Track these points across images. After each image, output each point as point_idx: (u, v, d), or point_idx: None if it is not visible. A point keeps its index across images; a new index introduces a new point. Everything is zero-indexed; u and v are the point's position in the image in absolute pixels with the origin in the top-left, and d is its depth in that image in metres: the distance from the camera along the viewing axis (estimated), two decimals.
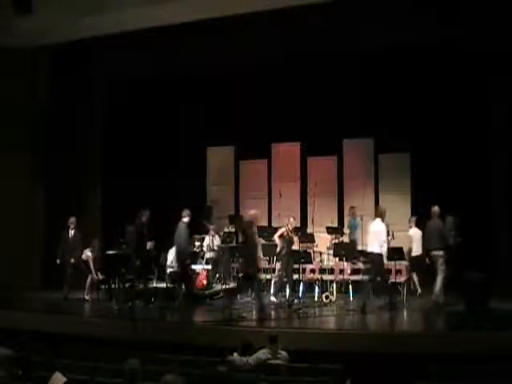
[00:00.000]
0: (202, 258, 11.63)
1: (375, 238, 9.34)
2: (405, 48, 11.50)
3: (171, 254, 10.92)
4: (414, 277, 10.85)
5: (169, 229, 11.70)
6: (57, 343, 7.88)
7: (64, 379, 5.53)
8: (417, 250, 10.63)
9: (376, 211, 9.79)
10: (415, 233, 10.72)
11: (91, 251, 11.40)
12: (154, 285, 11.52)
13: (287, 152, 13.61)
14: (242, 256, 10.00)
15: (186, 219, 10.34)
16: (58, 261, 11.35)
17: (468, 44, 11.05)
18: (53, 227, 12.95)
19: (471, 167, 11.38)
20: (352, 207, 12.00)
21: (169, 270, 10.90)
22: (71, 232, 11.52)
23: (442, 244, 9.71)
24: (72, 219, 11.57)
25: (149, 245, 11.40)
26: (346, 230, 11.90)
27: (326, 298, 10.30)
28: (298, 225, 11.99)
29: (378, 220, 9.48)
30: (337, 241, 11.38)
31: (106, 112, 13.80)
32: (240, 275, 10.00)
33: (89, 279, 11.27)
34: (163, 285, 11.09)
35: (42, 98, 13.20)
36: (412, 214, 11.49)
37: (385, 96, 12.17)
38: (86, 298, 11.14)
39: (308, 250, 10.88)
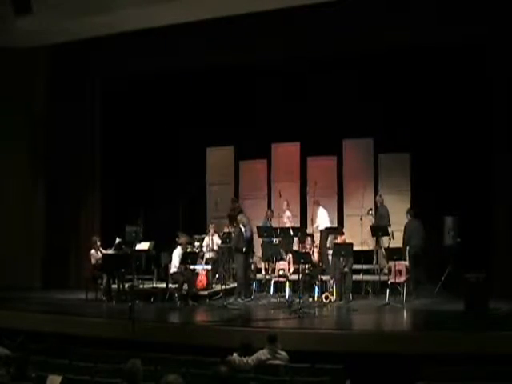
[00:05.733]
0: (202, 258, 11.61)
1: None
2: (405, 48, 11.50)
3: (176, 255, 10.87)
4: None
5: (168, 229, 11.72)
6: (57, 343, 7.89)
7: (60, 378, 5.53)
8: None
9: None
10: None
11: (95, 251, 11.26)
12: (154, 285, 11.53)
13: (287, 152, 13.58)
14: None
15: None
16: None
17: (468, 44, 11.07)
18: (53, 227, 12.98)
19: (471, 167, 11.36)
20: (269, 210, 12.24)
21: (172, 271, 10.87)
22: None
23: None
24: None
25: (148, 245, 11.41)
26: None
27: (326, 298, 10.30)
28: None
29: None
30: (336, 241, 11.37)
31: (105, 112, 13.78)
32: None
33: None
34: (163, 285, 11.09)
35: (41, 97, 13.20)
36: None
37: (385, 96, 12.15)
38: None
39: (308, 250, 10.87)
